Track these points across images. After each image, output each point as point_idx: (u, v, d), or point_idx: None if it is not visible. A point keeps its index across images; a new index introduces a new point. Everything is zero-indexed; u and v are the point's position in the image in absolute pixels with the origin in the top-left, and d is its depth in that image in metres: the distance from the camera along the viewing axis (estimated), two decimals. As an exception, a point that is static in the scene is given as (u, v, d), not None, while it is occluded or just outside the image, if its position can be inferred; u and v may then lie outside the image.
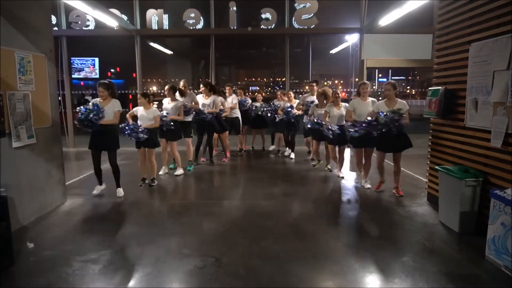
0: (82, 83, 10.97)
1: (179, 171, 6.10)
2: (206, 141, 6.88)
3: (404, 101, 4.71)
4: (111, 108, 4.64)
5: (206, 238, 3.58)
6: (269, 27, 9.22)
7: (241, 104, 7.74)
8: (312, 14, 9.02)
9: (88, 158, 4.84)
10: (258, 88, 11.65)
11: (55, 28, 8.76)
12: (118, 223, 3.99)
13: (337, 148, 5.89)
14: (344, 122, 5.47)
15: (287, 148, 7.67)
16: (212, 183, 5.91)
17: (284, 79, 9.66)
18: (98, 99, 4.69)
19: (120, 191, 4.89)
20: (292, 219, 4.15)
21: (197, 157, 6.83)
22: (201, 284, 2.70)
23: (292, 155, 7.49)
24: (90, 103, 4.57)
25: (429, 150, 4.64)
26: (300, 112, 6.88)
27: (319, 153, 6.57)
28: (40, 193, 4.23)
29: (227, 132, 7.36)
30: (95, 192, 4.86)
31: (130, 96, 10.97)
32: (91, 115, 4.40)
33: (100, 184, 4.92)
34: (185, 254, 3.18)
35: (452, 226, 3.65)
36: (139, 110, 5.28)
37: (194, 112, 6.32)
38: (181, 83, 6.41)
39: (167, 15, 9.31)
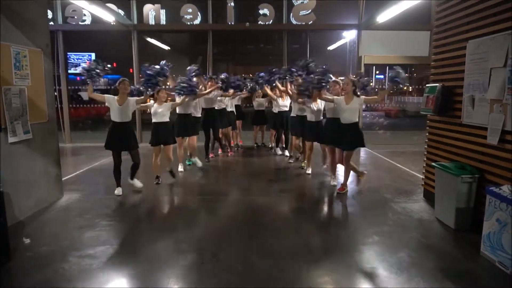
0: (78, 78, 10.92)
1: (199, 163, 6.16)
2: (213, 137, 6.94)
3: (363, 97, 4.68)
4: (130, 104, 4.63)
5: (203, 234, 3.58)
6: (266, 23, 9.20)
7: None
8: (310, 10, 9.01)
9: (84, 153, 4.83)
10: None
11: (51, 23, 8.67)
12: (114, 218, 3.99)
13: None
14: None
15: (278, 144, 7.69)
16: (208, 179, 5.90)
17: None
18: (116, 97, 4.61)
19: (138, 182, 4.95)
20: (289, 215, 4.16)
21: (207, 154, 6.86)
22: (199, 279, 2.70)
23: (287, 153, 7.52)
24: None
25: (426, 147, 4.66)
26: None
27: (298, 149, 6.54)
28: (37, 189, 4.22)
29: (230, 127, 7.43)
30: (116, 192, 4.78)
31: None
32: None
33: (119, 185, 4.82)
34: (182, 249, 3.18)
35: (448, 223, 3.68)
36: (154, 107, 5.19)
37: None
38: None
39: (164, 10, 9.27)
